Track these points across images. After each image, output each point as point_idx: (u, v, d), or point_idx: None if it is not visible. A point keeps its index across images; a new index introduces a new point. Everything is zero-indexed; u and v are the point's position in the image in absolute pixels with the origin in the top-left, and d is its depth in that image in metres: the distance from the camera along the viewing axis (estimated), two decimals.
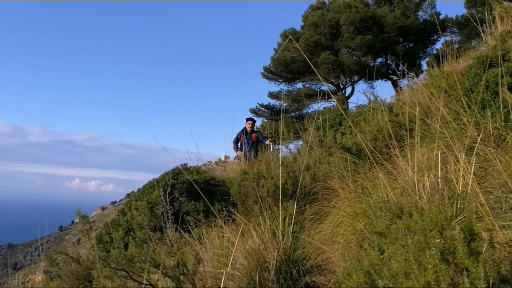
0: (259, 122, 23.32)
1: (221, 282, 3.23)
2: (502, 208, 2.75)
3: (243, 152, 10.81)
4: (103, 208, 58.09)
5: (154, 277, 2.46)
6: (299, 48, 13.67)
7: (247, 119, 11.45)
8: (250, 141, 11.00)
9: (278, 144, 10.70)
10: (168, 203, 2.97)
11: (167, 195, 3.60)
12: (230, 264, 2.59)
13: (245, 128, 11.24)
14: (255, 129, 11.57)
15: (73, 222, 63.80)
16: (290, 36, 16.94)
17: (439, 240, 1.68)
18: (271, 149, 9.96)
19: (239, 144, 11.16)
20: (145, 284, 2.33)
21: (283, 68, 22.59)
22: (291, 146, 14.30)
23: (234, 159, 12.20)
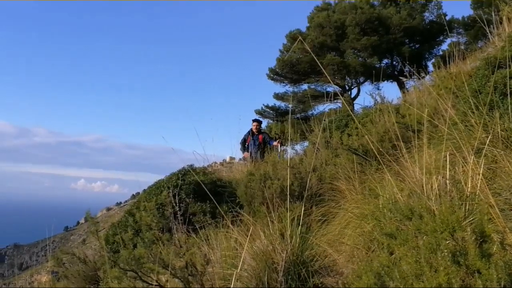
0: (264, 123, 23.34)
1: (229, 283, 3.23)
2: (511, 210, 2.74)
3: (249, 153, 10.80)
4: (108, 209, 58.24)
5: (163, 278, 2.46)
6: (307, 48, 13.65)
7: (253, 120, 11.44)
8: (256, 142, 10.98)
9: (285, 145, 10.70)
10: (177, 204, 2.98)
11: (176, 196, 3.60)
12: (240, 266, 2.59)
13: (251, 129, 11.24)
14: (262, 130, 11.56)
15: (78, 222, 63.93)
16: (299, 38, 16.92)
17: (449, 241, 1.67)
18: (279, 150, 9.95)
19: (246, 146, 11.14)
20: (154, 285, 2.34)
21: (288, 69, 22.58)
22: (297, 147, 14.30)
23: (240, 160, 12.19)
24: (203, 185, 4.42)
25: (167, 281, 2.36)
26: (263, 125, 22.07)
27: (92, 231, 2.44)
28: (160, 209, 5.42)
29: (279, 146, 10.44)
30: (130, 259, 2.23)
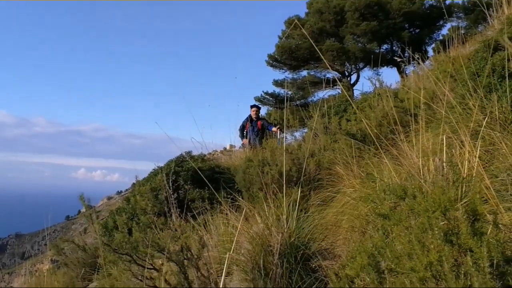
0: (264, 110, 23.31)
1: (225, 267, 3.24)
2: (508, 191, 2.73)
3: (248, 139, 10.75)
4: (109, 198, 58.26)
5: (158, 262, 2.46)
6: (305, 33, 13.57)
7: (252, 106, 11.33)
8: (255, 128, 10.91)
9: (282, 131, 10.64)
10: (171, 188, 2.97)
11: (171, 181, 3.59)
12: (233, 248, 2.60)
13: (250, 115, 11.19)
14: (260, 117, 11.48)
15: (79, 211, 63.84)
16: (296, 22, 16.80)
17: (443, 222, 1.67)
18: (278, 137, 9.93)
19: (244, 132, 11.08)
20: (149, 268, 2.34)
21: (287, 56, 22.45)
22: (297, 134, 14.28)
23: (240, 147, 12.15)
24: (199, 172, 4.42)
25: (162, 264, 2.36)
26: (263, 112, 21.99)
27: (86, 215, 2.44)
28: (158, 195, 5.43)
29: (278, 132, 10.39)
30: (124, 243, 2.23)
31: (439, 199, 1.64)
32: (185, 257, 2.40)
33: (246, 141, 10.88)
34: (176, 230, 2.48)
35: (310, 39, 6.73)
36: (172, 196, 2.75)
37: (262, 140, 10.47)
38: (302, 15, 22.51)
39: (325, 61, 11.26)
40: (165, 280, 2.25)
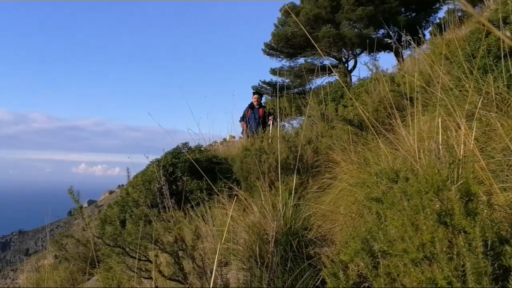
0: (262, 99, 23.20)
1: (222, 257, 3.23)
2: (504, 172, 2.71)
3: (249, 128, 10.20)
4: (111, 192, 58.23)
5: (152, 254, 2.44)
6: (299, 22, 13.50)
7: (254, 93, 10.92)
8: (257, 115, 10.48)
9: (276, 121, 10.38)
10: (163, 179, 2.95)
11: (168, 173, 3.56)
12: (224, 237, 2.58)
13: (251, 103, 10.71)
14: (263, 104, 11.04)
15: (81, 207, 63.53)
16: (286, 8, 16.71)
17: (435, 202, 1.64)
18: (274, 125, 9.75)
19: (245, 120, 10.59)
20: (143, 260, 2.32)
21: (284, 44, 22.37)
22: (294, 122, 14.20)
23: (241, 136, 11.89)
24: (195, 163, 4.39)
25: (156, 256, 2.34)
26: (262, 101, 21.82)
27: (76, 210, 2.42)
28: (152, 187, 5.42)
29: (271, 122, 10.11)
30: (115, 235, 2.20)
31: (432, 180, 1.61)
32: (179, 248, 2.38)
33: (243, 124, 10.40)
34: (169, 221, 2.46)
35: (303, 28, 6.66)
36: (165, 186, 2.72)
37: (265, 128, 10.18)
38: (298, 2, 22.41)
39: (319, 49, 11.17)
40: (159, 271, 2.23)
